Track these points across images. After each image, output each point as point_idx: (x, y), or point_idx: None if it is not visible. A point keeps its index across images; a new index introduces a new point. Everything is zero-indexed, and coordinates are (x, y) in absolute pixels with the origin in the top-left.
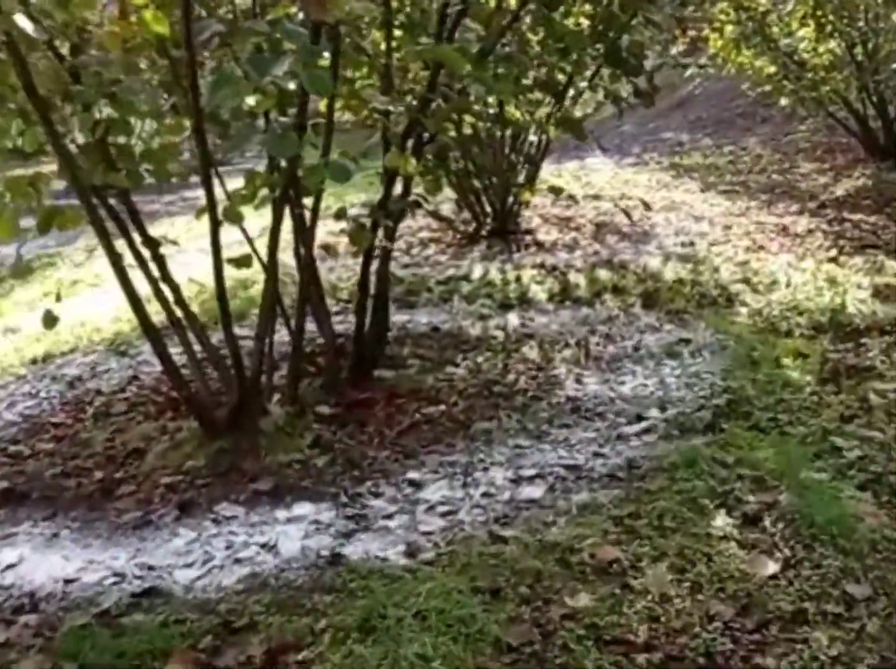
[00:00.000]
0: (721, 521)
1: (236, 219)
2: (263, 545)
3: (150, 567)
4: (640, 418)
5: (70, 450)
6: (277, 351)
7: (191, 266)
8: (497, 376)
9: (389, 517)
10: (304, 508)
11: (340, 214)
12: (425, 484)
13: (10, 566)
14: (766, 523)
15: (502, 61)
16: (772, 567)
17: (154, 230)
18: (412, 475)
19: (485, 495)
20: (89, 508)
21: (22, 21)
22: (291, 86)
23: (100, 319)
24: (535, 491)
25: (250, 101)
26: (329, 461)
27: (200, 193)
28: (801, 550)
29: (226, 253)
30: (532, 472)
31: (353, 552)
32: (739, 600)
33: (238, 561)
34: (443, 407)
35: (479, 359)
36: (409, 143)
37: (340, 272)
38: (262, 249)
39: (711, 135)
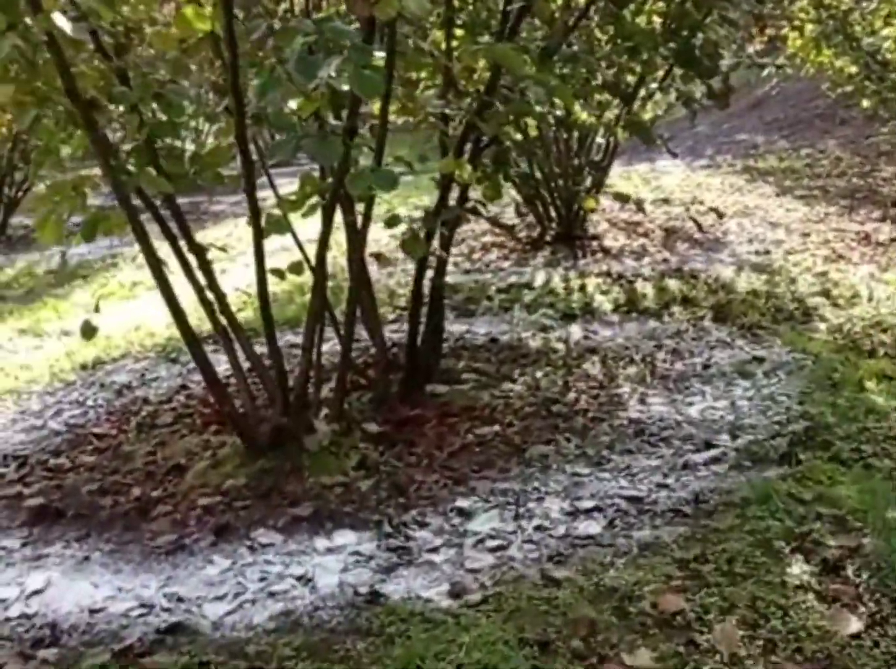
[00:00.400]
0: (798, 568)
1: (280, 229)
2: (299, 578)
3: (180, 599)
4: (708, 445)
5: (111, 464)
6: (329, 361)
7: (251, 269)
8: (556, 395)
9: (435, 550)
10: (344, 537)
11: (392, 222)
12: (475, 514)
13: (36, 592)
14: (849, 571)
15: (568, 62)
16: (855, 625)
17: (217, 232)
18: (461, 503)
19: (538, 528)
20: (124, 528)
21: (60, 20)
22: (346, 87)
23: (155, 323)
24: (592, 526)
25: (292, 104)
26: (374, 484)
27: (268, 193)
28: (889, 604)
29: (284, 256)
30: (590, 504)
31: (394, 590)
32: (818, 662)
33: (272, 596)
34: (497, 428)
35: (538, 374)
36: (468, 147)
37: (399, 277)
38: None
39: (788, 137)
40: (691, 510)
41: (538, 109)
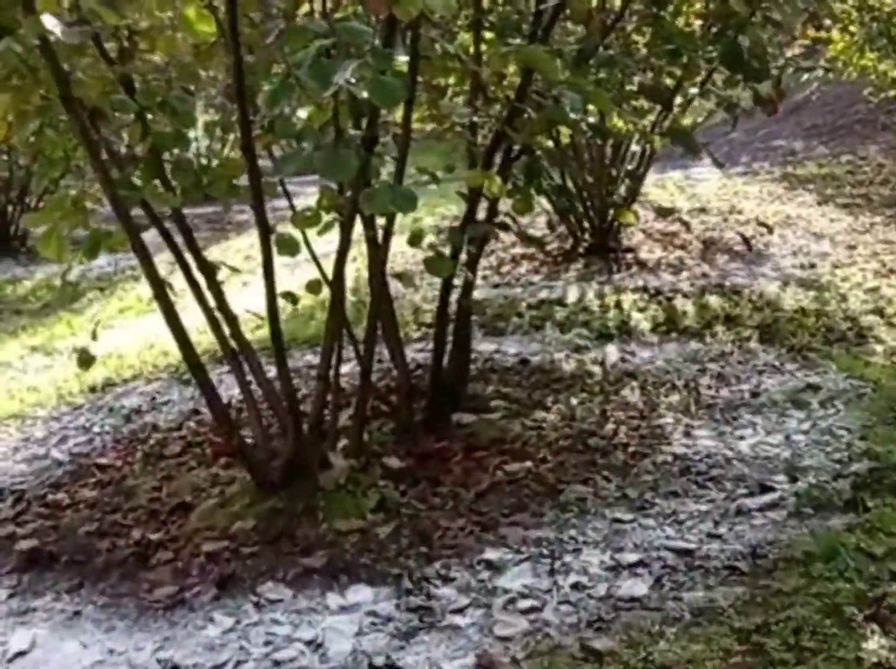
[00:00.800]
0: (874, 642)
1: (291, 250)
2: (309, 643)
3: (175, 667)
4: (763, 487)
5: (112, 501)
6: (348, 383)
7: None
8: (593, 426)
9: (460, 611)
10: (360, 593)
11: (415, 240)
12: (505, 567)
13: (19, 654)
14: None
15: (604, 66)
16: None
17: (241, 242)
18: (490, 554)
19: (576, 586)
20: (120, 577)
21: (50, 23)
22: (365, 94)
23: (169, 341)
24: (637, 586)
25: (302, 114)
26: (394, 530)
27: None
28: None
29: (308, 269)
30: (633, 557)
31: (413, 662)
32: None
33: (277, 665)
34: (529, 464)
35: (573, 402)
36: (497, 157)
37: (425, 291)
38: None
39: (827, 143)
40: (748, 567)
41: (572, 116)
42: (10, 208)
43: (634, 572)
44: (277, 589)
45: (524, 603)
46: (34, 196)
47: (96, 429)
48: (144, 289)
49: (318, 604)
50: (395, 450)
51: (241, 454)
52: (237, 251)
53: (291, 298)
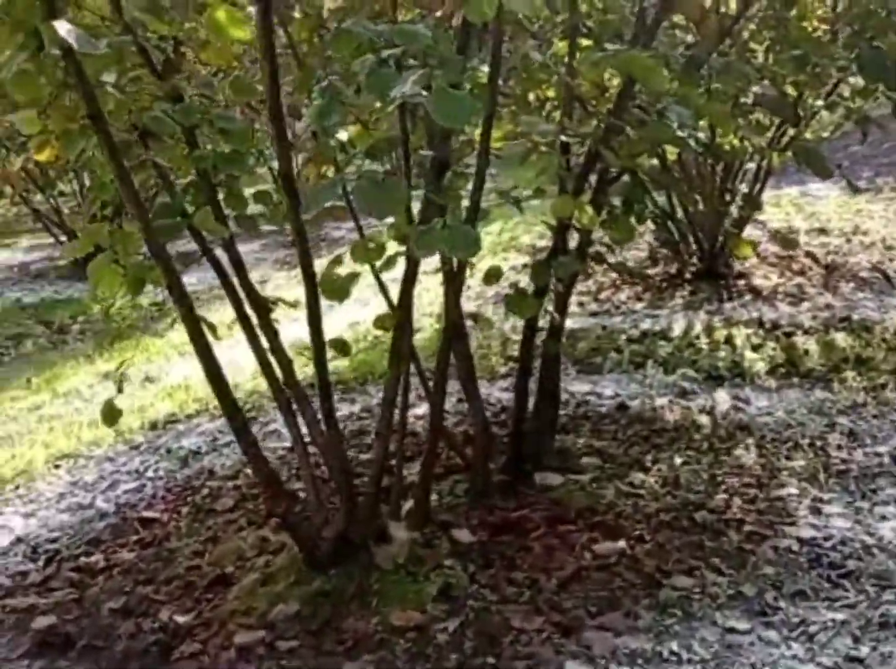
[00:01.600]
0: None
1: (339, 294)
2: None
3: None
4: None
5: (148, 567)
6: (418, 425)
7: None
8: (701, 495)
9: None
10: None
11: (492, 278)
12: None
13: None
14: None
15: (718, 75)
16: None
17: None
18: None
19: None
20: None
21: (64, 29)
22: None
23: (240, 373)
24: None
25: (342, 136)
26: (457, 629)
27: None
28: None
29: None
30: None
31: None
32: None
33: None
34: (623, 544)
35: (677, 461)
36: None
37: (513, 320)
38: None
39: None
40: None
41: (680, 133)
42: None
43: None
44: None
45: None
46: (85, 220)
47: (150, 474)
48: (227, 312)
49: None
50: (466, 517)
51: (286, 524)
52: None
53: (342, 347)
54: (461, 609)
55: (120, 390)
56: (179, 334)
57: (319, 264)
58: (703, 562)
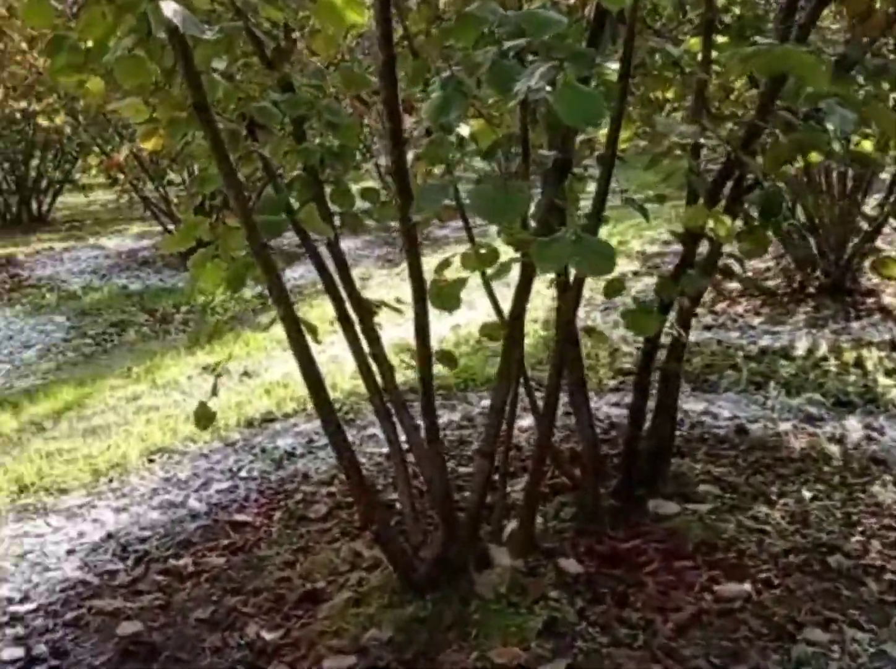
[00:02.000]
0: None
1: (449, 303)
2: None
3: None
4: None
5: (238, 575)
6: (523, 437)
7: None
8: (834, 535)
9: None
10: None
11: (612, 291)
12: None
13: None
14: None
15: (873, 77)
16: None
17: (436, 260)
18: None
19: None
20: None
21: (169, 9)
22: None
23: (339, 372)
24: None
25: (464, 131)
26: None
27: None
28: None
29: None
30: None
31: None
32: None
33: None
34: (748, 587)
35: (805, 495)
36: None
37: (624, 330)
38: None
39: None
40: None
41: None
42: None
43: None
44: None
45: None
46: (188, 212)
47: (243, 474)
48: (329, 308)
49: None
50: (573, 545)
51: (379, 542)
52: (429, 270)
53: (449, 359)
54: (568, 649)
55: (215, 394)
56: (282, 329)
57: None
58: (841, 614)
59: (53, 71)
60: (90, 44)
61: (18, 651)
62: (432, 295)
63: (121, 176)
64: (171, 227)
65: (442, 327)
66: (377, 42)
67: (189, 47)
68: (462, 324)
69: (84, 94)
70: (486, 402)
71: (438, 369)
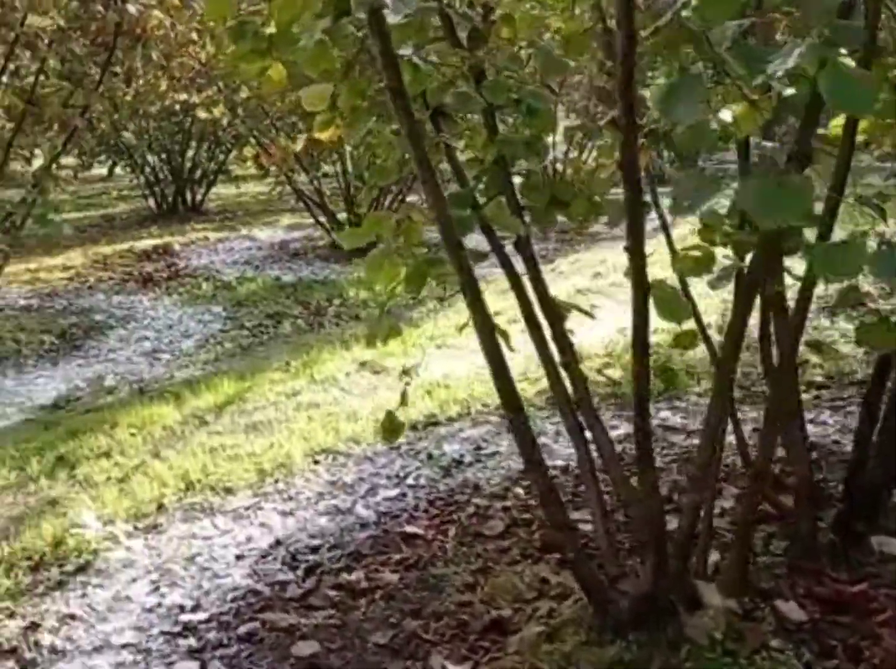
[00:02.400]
0: None
1: (674, 314)
2: None
3: None
4: None
5: (415, 595)
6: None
7: (622, 313)
8: None
9: None
10: None
11: (846, 302)
12: None
13: None
14: None
15: None
16: None
17: (592, 255)
18: None
19: None
20: None
21: None
22: (789, 91)
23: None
24: None
25: (726, 116)
26: None
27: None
28: None
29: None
30: None
31: None
32: None
33: None
34: None
35: None
36: None
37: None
38: None
39: None
40: None
41: None
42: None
43: None
44: None
45: None
46: (363, 207)
47: (410, 481)
48: (490, 302)
49: None
50: (791, 585)
51: (575, 573)
52: (585, 267)
53: (666, 373)
54: None
55: (404, 403)
56: (441, 323)
57: (576, 259)
58: None
59: (237, 57)
60: (272, 31)
61: (193, 666)
62: (660, 306)
63: (273, 168)
64: (322, 219)
65: (606, 329)
66: (617, 16)
67: (387, 27)
68: (626, 327)
69: (264, 82)
70: (665, 414)
71: (611, 373)
